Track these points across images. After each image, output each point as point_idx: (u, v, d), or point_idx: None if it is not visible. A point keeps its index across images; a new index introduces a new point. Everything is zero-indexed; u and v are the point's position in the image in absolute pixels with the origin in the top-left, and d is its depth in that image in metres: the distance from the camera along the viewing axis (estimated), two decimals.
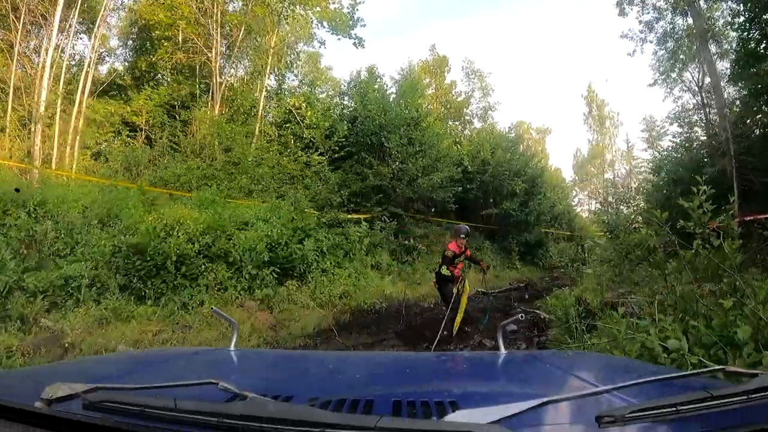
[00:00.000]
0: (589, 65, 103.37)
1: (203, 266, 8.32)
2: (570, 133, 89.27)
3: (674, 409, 0.91)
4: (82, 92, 14.61)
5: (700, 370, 1.30)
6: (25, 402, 0.98)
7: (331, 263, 11.11)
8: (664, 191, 14.82)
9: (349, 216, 13.40)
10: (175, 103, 16.26)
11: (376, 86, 16.85)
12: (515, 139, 22.63)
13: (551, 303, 8.44)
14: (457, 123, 27.66)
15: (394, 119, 15.98)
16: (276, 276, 9.42)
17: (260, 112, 17.36)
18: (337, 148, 15.93)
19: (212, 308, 2.72)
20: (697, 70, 25.89)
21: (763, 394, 0.93)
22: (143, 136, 15.53)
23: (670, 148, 18.89)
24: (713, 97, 17.57)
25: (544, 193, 24.00)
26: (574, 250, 28.45)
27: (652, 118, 49.38)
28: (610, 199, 22.34)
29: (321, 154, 15.92)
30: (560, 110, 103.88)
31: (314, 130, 16.65)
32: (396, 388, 1.50)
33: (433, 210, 17.91)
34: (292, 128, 17.18)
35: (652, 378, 1.19)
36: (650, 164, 19.00)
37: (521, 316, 2.34)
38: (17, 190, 8.32)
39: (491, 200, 20.44)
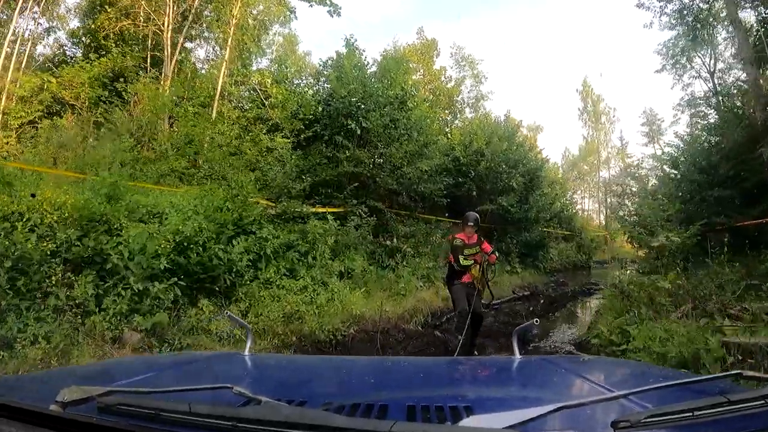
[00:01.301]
0: (584, 61, 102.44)
1: (58, 276, 5.43)
2: (564, 130, 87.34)
3: (691, 414, 0.90)
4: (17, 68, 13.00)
5: (716, 375, 1.30)
6: (40, 405, 0.99)
7: (277, 271, 8.20)
8: (694, 182, 12.61)
9: (315, 209, 10.90)
10: (116, 76, 13.80)
11: (355, 61, 14.27)
12: (512, 127, 20.16)
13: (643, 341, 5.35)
14: (447, 112, 25.18)
15: (375, 96, 13.52)
16: (183, 292, 6.54)
17: (218, 90, 14.88)
18: (303, 127, 13.47)
19: (227, 313, 2.81)
20: (708, 55, 24.23)
21: None
22: (75, 114, 13.04)
23: (689, 136, 16.58)
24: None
25: (543, 188, 21.71)
26: (574, 250, 26.28)
27: (652, 111, 48.30)
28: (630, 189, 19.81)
29: (286, 136, 13.48)
30: (555, 107, 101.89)
31: (280, 110, 14.22)
32: (410, 392, 1.50)
33: (421, 205, 15.47)
34: (256, 109, 14.79)
35: (669, 383, 1.22)
36: (665, 156, 16.73)
37: (536, 321, 2.27)
38: None
39: (486, 195, 17.99)
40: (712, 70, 23.46)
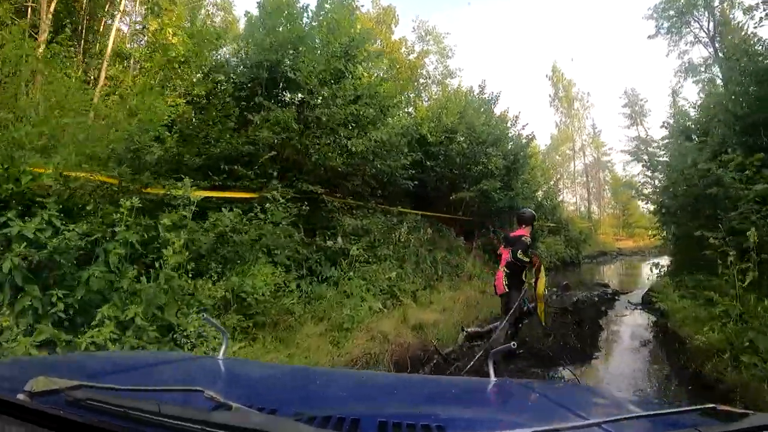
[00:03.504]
0: (556, 47, 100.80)
1: None
2: (538, 120, 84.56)
3: None
4: None
5: (690, 407, 1.20)
6: (8, 393, 0.98)
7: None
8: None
9: (207, 193, 7.09)
10: None
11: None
12: (491, 98, 16.56)
13: None
14: (409, 86, 21.44)
15: (310, 45, 9.85)
16: None
17: (109, 47, 11.02)
18: (214, 86, 9.70)
19: (203, 316, 2.85)
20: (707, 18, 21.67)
21: None
22: None
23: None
24: None
25: (527, 173, 18.22)
26: (563, 244, 22.97)
27: (634, 91, 46.17)
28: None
29: (190, 101, 9.76)
30: (529, 96, 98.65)
31: (185, 67, 10.45)
32: (383, 408, 1.49)
33: (380, 192, 11.76)
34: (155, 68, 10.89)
35: (642, 413, 1.25)
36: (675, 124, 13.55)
37: (513, 344, 2.19)
38: None
39: (461, 181, 14.38)
40: (712, 33, 21.00)
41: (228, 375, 1.98)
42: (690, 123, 12.74)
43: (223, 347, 2.19)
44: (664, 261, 13.17)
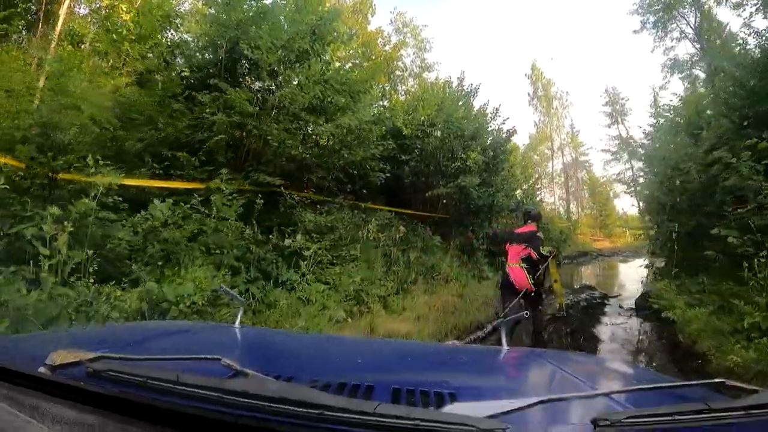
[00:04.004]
0: (536, 46, 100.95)
1: None
2: (517, 120, 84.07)
3: (671, 418, 0.89)
4: None
5: (699, 381, 1.23)
6: (29, 367, 1.00)
7: None
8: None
9: (127, 181, 6.03)
10: None
11: None
12: (470, 91, 15.58)
13: None
14: (385, 78, 20.43)
15: (273, 22, 8.82)
16: None
17: (59, 26, 9.81)
18: (161, 63, 8.70)
19: (220, 286, 2.92)
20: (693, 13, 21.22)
21: (761, 410, 0.90)
22: None
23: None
24: None
25: (507, 169, 17.28)
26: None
27: (615, 90, 45.98)
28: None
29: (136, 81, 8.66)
30: (509, 96, 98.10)
31: (136, 45, 9.30)
32: (396, 375, 1.52)
33: (350, 187, 10.78)
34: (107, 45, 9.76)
35: (652, 385, 1.19)
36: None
37: (525, 314, 2.28)
38: None
39: (438, 177, 13.43)
40: (699, 28, 20.51)
41: (244, 343, 2.00)
42: (679, 118, 12.06)
43: (239, 315, 2.19)
44: (648, 261, 12.33)
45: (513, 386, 1.59)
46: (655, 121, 14.40)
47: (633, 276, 18.45)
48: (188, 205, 6.37)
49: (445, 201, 13.78)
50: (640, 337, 7.72)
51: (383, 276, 8.81)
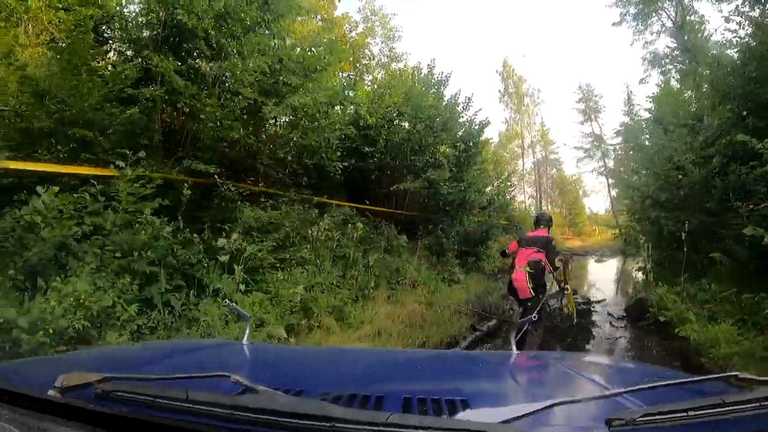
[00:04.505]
0: (506, 42, 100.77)
1: None
2: (489, 116, 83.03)
3: (686, 414, 0.90)
4: None
5: (712, 376, 1.26)
6: (39, 390, 0.99)
7: None
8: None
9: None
10: None
11: None
12: (440, 79, 14.36)
13: None
14: (351, 66, 19.10)
15: None
16: None
17: None
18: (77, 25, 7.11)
19: (225, 301, 3.10)
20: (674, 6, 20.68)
21: None
22: None
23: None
24: None
25: (479, 164, 16.09)
26: None
27: (589, 87, 45.72)
28: None
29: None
30: (479, 91, 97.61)
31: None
32: (407, 384, 1.49)
33: (305, 180, 9.47)
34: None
35: (664, 382, 1.18)
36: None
37: (534, 316, 2.41)
38: None
39: (406, 171, 12.19)
40: (680, 22, 19.87)
41: (253, 359, 1.98)
42: (666, 109, 11.13)
43: (247, 332, 2.18)
44: (641, 263, 11.25)
45: (525, 390, 1.57)
46: (632, 117, 13.63)
47: (611, 277, 17.58)
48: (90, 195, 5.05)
49: (412, 197, 12.57)
50: (646, 357, 6.58)
51: (340, 282, 7.56)
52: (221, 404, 0.89)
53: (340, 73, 17.06)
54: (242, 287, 5.92)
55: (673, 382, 1.19)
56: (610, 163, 37.25)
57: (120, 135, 6.15)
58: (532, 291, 5.70)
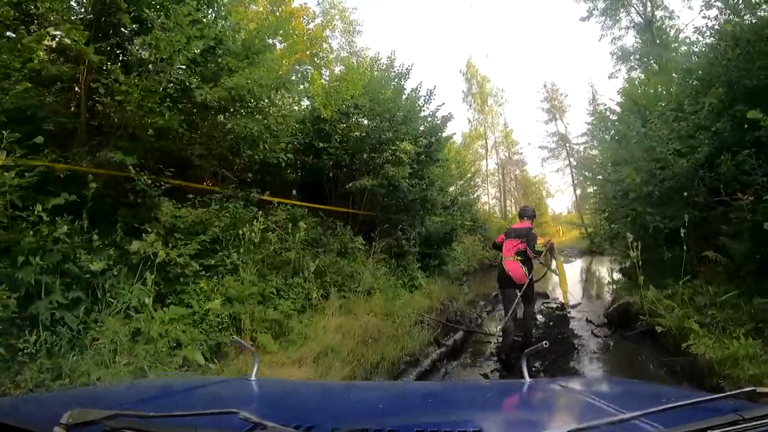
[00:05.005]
0: (469, 42, 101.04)
1: None
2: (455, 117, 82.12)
3: None
4: None
5: (729, 393, 1.25)
6: (44, 426, 0.98)
7: None
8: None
9: None
10: None
11: None
12: (402, 72, 13.45)
13: None
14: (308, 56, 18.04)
15: None
16: None
17: None
18: None
19: (232, 337, 3.10)
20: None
21: None
22: None
23: None
24: None
25: (442, 160, 15.22)
26: (481, 245, 20.49)
27: (554, 86, 45.91)
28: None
29: None
30: (442, 91, 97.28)
31: None
32: (419, 417, 1.46)
33: (249, 176, 8.44)
34: None
35: (681, 402, 1.16)
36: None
37: (545, 344, 2.11)
38: None
39: (365, 168, 11.24)
40: (649, 17, 19.67)
41: (262, 395, 1.96)
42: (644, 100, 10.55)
43: (255, 368, 2.10)
44: (628, 265, 10.41)
45: (540, 419, 1.51)
46: (599, 112, 13.07)
47: (577, 277, 17.06)
48: None
49: (372, 196, 11.63)
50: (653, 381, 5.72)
51: (284, 290, 6.57)
52: None
53: (298, 67, 16.10)
54: (151, 300, 4.87)
55: (690, 401, 1.16)
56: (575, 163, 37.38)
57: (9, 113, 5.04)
58: (527, 276, 6.35)
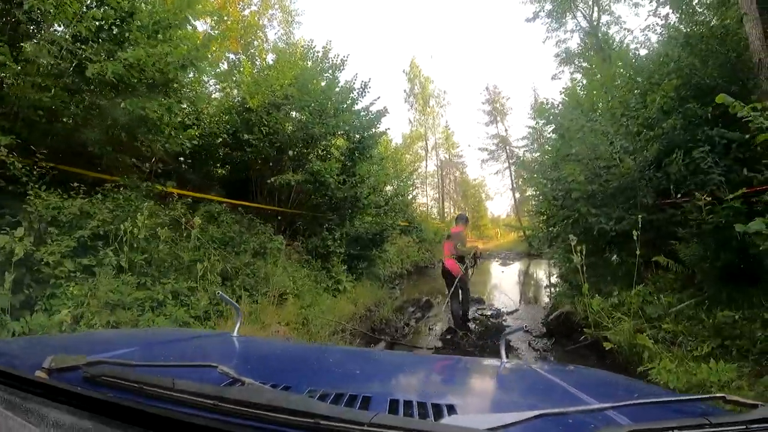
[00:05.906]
0: (413, 42, 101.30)
1: None
2: (393, 117, 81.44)
3: None
4: None
5: (699, 396, 1.29)
6: (26, 370, 0.98)
7: None
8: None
9: None
10: None
11: None
12: (336, 63, 12.86)
13: None
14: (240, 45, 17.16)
15: None
16: None
17: None
18: None
19: (218, 292, 2.85)
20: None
21: (762, 425, 0.89)
22: None
23: None
24: None
25: (375, 158, 14.76)
26: (416, 247, 20.15)
27: (496, 88, 46.49)
28: None
29: None
30: (383, 91, 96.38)
31: None
32: (395, 386, 1.51)
33: (162, 168, 7.65)
34: None
35: (651, 399, 1.17)
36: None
37: (525, 326, 2.77)
38: None
39: (287, 163, 10.63)
40: (595, 21, 20.05)
41: (242, 351, 1.95)
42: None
43: (237, 324, 2.17)
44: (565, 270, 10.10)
45: (512, 399, 1.53)
46: (540, 111, 12.85)
47: (518, 281, 16.97)
48: None
49: (300, 194, 11.01)
50: None
51: (186, 296, 5.86)
52: (207, 395, 0.86)
53: (231, 56, 15.29)
54: (8, 305, 4.12)
55: (660, 399, 1.20)
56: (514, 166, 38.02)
57: None
58: (463, 270, 8.06)
